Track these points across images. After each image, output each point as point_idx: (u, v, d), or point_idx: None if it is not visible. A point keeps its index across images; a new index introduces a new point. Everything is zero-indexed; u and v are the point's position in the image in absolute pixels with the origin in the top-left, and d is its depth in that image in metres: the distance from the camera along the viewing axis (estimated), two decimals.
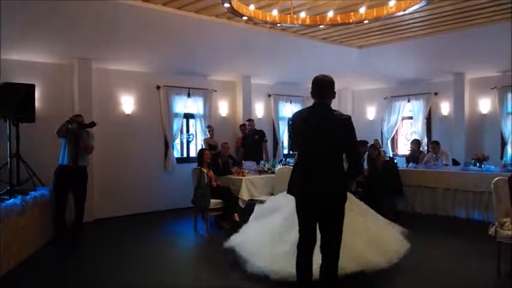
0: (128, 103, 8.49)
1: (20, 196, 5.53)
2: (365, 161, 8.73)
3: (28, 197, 5.72)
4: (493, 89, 9.43)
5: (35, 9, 6.18)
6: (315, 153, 3.57)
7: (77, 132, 6.30)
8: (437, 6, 6.91)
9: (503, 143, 9.33)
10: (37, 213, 5.97)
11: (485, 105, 9.66)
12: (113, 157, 8.18)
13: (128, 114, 8.48)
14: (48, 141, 6.76)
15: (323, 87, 3.63)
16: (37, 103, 7.05)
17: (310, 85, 3.65)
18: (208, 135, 9.14)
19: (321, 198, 3.54)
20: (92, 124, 6.47)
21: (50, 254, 5.85)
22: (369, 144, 8.71)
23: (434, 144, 8.98)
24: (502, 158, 9.14)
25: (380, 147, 9.08)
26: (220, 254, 5.41)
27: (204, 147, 8.65)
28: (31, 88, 6.80)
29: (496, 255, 4.65)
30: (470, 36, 8.31)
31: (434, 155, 8.79)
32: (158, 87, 8.88)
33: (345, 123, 3.51)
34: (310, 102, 3.73)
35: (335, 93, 3.68)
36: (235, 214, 7.19)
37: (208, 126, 9.23)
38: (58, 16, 6.53)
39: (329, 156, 3.53)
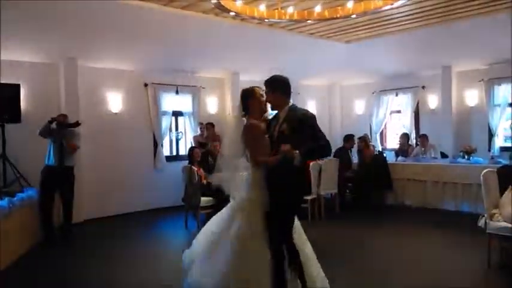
0: (115, 102, 8.39)
1: (6, 198, 5.46)
2: (353, 155, 8.82)
3: (15, 198, 5.66)
4: (480, 81, 9.48)
5: (19, 8, 6.06)
6: None
7: (59, 132, 6.23)
8: (424, 0, 6.93)
9: (491, 135, 9.39)
10: (25, 215, 5.90)
11: (472, 97, 9.70)
12: (101, 156, 8.09)
13: (116, 113, 8.39)
14: (35, 142, 6.61)
15: None
16: (23, 103, 6.97)
17: (286, 83, 3.57)
18: (200, 133, 9.09)
19: None
20: (76, 124, 6.41)
21: (38, 255, 5.78)
22: (356, 137, 8.82)
23: (422, 138, 9.05)
24: (489, 150, 9.21)
25: (369, 142, 9.13)
26: None
27: (193, 145, 8.60)
28: (16, 88, 6.71)
29: (486, 247, 4.70)
30: (457, 29, 8.33)
31: (423, 148, 8.85)
32: (146, 85, 8.79)
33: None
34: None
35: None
36: None
37: (201, 124, 9.18)
38: (42, 15, 6.42)
39: None
